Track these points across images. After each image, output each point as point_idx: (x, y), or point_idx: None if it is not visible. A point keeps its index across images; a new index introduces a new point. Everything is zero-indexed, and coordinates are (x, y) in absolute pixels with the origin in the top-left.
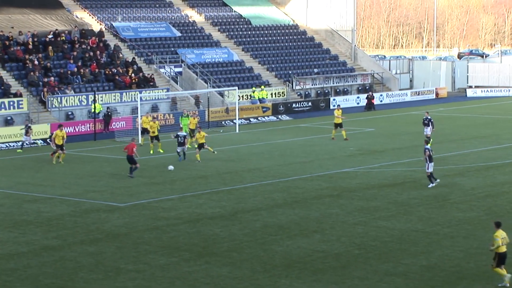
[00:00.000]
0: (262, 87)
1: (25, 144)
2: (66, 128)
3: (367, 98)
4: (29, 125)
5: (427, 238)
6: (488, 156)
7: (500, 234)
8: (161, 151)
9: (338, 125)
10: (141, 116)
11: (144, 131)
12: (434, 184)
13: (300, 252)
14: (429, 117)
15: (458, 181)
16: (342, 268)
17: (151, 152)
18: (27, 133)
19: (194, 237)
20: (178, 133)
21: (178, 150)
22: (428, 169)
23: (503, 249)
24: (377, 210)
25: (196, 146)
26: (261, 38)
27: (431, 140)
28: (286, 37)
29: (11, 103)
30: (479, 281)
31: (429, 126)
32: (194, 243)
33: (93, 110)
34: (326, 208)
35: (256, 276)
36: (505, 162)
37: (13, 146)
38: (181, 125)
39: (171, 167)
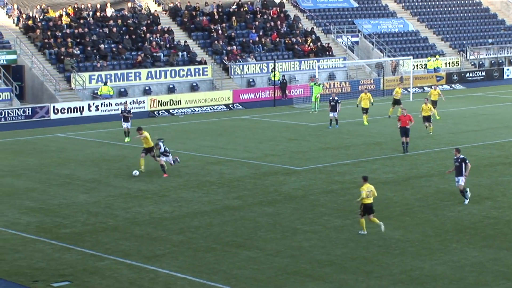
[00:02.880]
0: (437, 56)
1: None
2: (247, 94)
3: None
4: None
5: None
6: None
7: (366, 188)
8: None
9: (396, 102)
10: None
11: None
12: None
13: (471, 218)
14: None
15: None
16: None
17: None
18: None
19: None
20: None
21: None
22: None
23: (368, 200)
24: None
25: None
26: (436, 9)
27: None
28: (461, 8)
29: (197, 70)
30: None
31: None
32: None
33: (272, 78)
34: (498, 175)
35: (427, 240)
36: None
37: (198, 111)
38: (312, 93)
39: (136, 172)
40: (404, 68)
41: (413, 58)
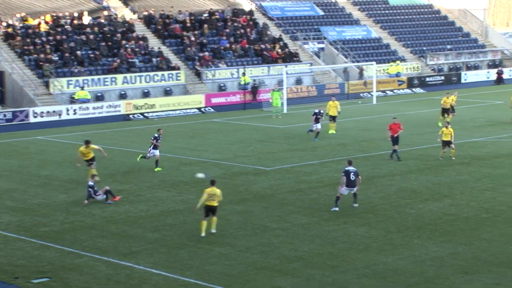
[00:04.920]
0: (398, 62)
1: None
2: (219, 98)
3: (496, 73)
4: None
5: None
6: None
7: (210, 191)
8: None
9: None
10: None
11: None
12: None
13: (431, 215)
14: None
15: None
16: (471, 231)
17: None
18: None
19: (333, 199)
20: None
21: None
22: None
23: (212, 203)
24: (504, 177)
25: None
26: (397, 17)
27: None
28: (421, 16)
29: (170, 75)
30: None
31: None
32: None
33: (241, 82)
34: (456, 174)
35: (390, 236)
36: None
37: (172, 114)
38: (270, 100)
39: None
40: (367, 73)
41: (376, 63)
